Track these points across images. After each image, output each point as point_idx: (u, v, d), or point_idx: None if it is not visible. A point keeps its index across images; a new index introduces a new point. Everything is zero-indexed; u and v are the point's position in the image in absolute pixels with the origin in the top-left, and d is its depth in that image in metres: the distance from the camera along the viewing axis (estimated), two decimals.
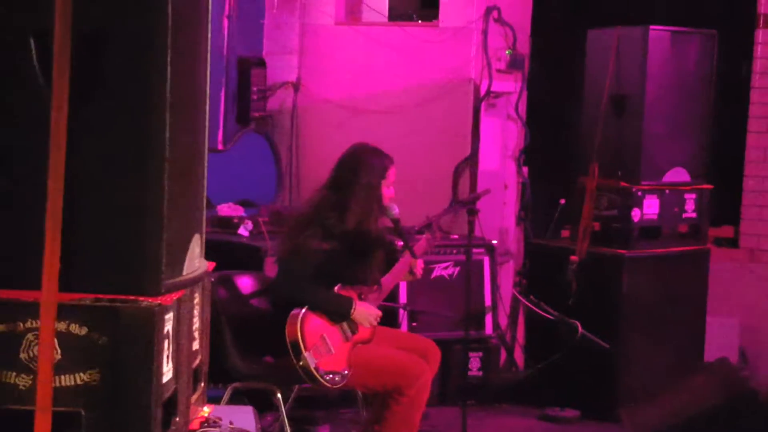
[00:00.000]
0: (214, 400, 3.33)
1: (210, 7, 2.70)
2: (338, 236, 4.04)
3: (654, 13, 5.39)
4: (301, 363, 3.90)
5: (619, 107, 5.29)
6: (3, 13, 2.25)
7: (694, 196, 5.46)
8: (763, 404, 4.80)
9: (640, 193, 5.27)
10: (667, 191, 5.37)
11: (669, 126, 5.35)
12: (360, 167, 4.12)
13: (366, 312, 4.09)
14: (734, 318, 6.02)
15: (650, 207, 5.31)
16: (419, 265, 4.30)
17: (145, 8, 2.28)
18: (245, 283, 4.48)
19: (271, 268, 4.81)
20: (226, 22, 6.00)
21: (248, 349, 4.22)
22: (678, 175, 5.41)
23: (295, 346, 3.91)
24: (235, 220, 5.49)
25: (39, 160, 2.22)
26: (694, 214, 5.48)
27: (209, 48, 2.74)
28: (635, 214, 5.26)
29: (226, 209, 5.65)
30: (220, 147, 5.95)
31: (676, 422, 4.37)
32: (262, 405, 4.29)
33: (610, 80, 5.28)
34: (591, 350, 5.16)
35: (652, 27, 5.24)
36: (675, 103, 5.36)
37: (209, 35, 2.73)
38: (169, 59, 2.29)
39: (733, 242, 6.24)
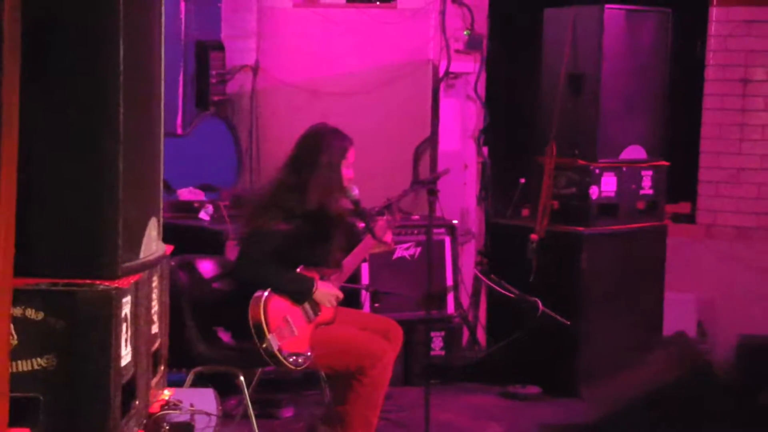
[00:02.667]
0: (176, 384, 3.32)
1: None
2: (299, 217, 4.04)
3: None
4: (264, 345, 3.90)
5: (575, 86, 5.33)
6: None
7: (651, 173, 5.51)
8: (720, 377, 4.89)
9: (597, 171, 5.31)
10: (624, 168, 5.42)
11: (625, 104, 5.39)
12: (320, 147, 4.11)
13: (327, 292, 4.10)
14: (692, 293, 6.10)
15: (608, 184, 5.36)
16: (389, 236, 4.31)
17: None
18: (206, 267, 4.46)
19: (232, 252, 4.79)
20: (182, 5, 5.95)
21: (210, 333, 4.21)
22: (635, 152, 5.46)
23: (259, 328, 3.90)
24: (196, 205, 5.46)
25: None
26: (651, 191, 5.54)
27: (163, 31, 2.72)
28: (593, 192, 5.31)
29: (186, 194, 5.63)
30: (179, 131, 5.91)
31: (636, 397, 4.44)
32: (226, 389, 4.29)
33: (567, 59, 5.31)
34: (552, 327, 5.21)
35: (607, 5, 5.27)
36: (631, 81, 5.40)
37: (163, 18, 2.71)
38: (121, 42, 2.28)
39: (690, 218, 6.32)
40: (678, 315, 5.82)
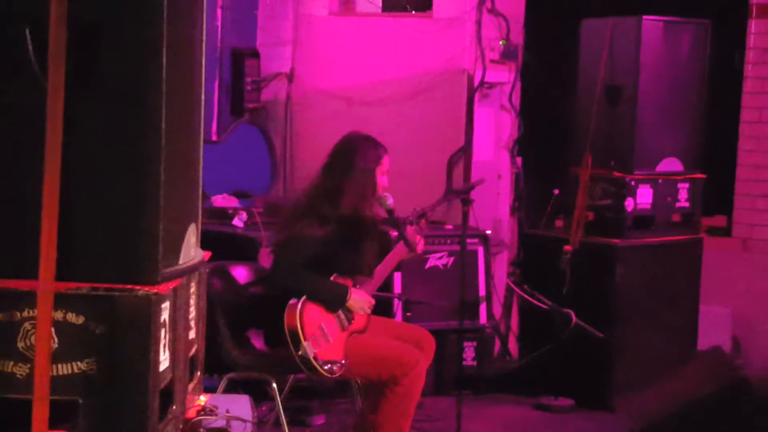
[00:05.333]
0: (209, 390, 3.33)
1: None
2: (333, 221, 4.04)
3: (647, 3, 5.38)
4: (300, 352, 3.91)
5: (612, 97, 5.30)
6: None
7: (687, 185, 5.47)
8: (756, 393, 4.82)
9: (633, 183, 5.28)
10: (660, 181, 5.38)
11: (662, 116, 5.35)
12: (355, 154, 4.12)
13: (361, 299, 4.10)
14: (727, 307, 6.04)
15: (643, 197, 5.32)
16: (420, 243, 4.30)
17: None
18: (240, 273, 4.49)
19: (265, 259, 4.81)
20: (219, 12, 6.00)
21: (243, 340, 4.22)
22: (671, 164, 5.43)
23: (294, 335, 3.91)
24: (230, 211, 5.50)
25: (35, 149, 2.23)
26: (687, 204, 5.50)
27: (204, 38, 2.74)
28: (628, 204, 5.27)
29: (220, 200, 5.66)
30: (214, 138, 5.95)
31: (669, 411, 4.39)
32: (258, 395, 4.30)
33: (604, 70, 5.29)
34: (585, 339, 5.17)
35: (645, 17, 5.24)
36: (668, 92, 5.37)
37: (204, 26, 2.74)
38: (164, 49, 2.30)
39: (726, 231, 6.25)
40: (713, 329, 5.76)
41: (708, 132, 5.57)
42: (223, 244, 4.76)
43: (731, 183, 6.19)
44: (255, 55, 6.16)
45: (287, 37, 6.27)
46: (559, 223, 5.76)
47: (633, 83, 5.24)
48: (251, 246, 5.12)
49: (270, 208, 5.50)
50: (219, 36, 6.00)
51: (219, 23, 6.01)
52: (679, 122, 5.43)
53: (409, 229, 4.31)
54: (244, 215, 5.44)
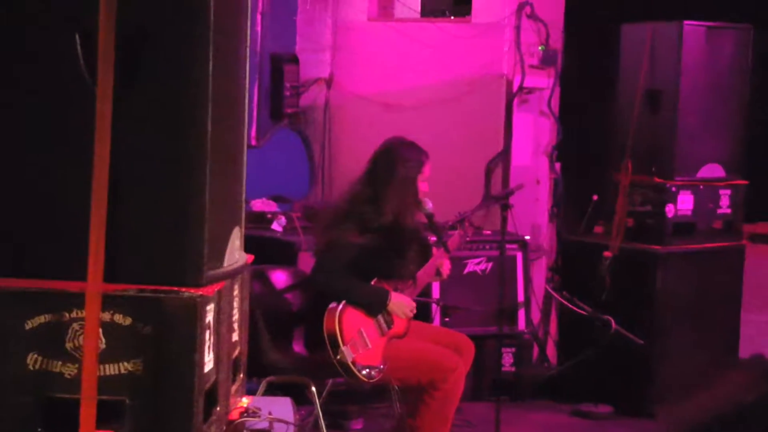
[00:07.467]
0: (249, 393, 3.35)
1: (249, 5, 2.74)
2: (375, 230, 4.06)
3: (688, 7, 5.35)
4: (338, 357, 3.92)
5: (653, 102, 5.28)
6: (50, 14, 2.29)
7: (728, 191, 5.43)
8: None
9: (674, 189, 5.25)
10: (701, 187, 5.34)
11: (703, 121, 5.32)
12: (397, 161, 4.14)
13: (402, 303, 4.11)
14: None
15: (684, 203, 5.29)
16: (446, 266, 4.31)
17: (188, 6, 2.32)
18: (279, 277, 4.51)
19: (304, 263, 4.84)
20: (259, 18, 6.03)
21: (283, 343, 4.25)
22: (713, 170, 5.39)
23: (333, 339, 3.92)
24: (269, 216, 5.52)
25: (84, 153, 2.26)
26: (728, 210, 5.46)
27: (248, 45, 2.78)
28: (669, 210, 5.24)
29: (259, 205, 5.69)
30: (253, 143, 5.97)
31: (710, 419, 4.35)
32: (296, 399, 4.31)
33: (644, 75, 5.27)
34: (624, 346, 5.15)
35: (686, 22, 5.22)
36: (710, 98, 5.34)
37: (248, 32, 2.77)
38: (210, 55, 2.33)
39: None
40: (755, 337, 5.71)
41: (750, 138, 5.52)
42: (262, 248, 4.78)
43: None
44: (294, 60, 6.18)
45: (326, 43, 6.30)
46: (598, 229, 5.73)
47: (674, 88, 5.21)
48: (290, 250, 5.15)
49: (309, 213, 5.53)
50: (259, 41, 6.03)
51: (259, 29, 6.04)
52: (720, 128, 5.39)
53: (456, 234, 4.32)
54: (283, 219, 5.47)
